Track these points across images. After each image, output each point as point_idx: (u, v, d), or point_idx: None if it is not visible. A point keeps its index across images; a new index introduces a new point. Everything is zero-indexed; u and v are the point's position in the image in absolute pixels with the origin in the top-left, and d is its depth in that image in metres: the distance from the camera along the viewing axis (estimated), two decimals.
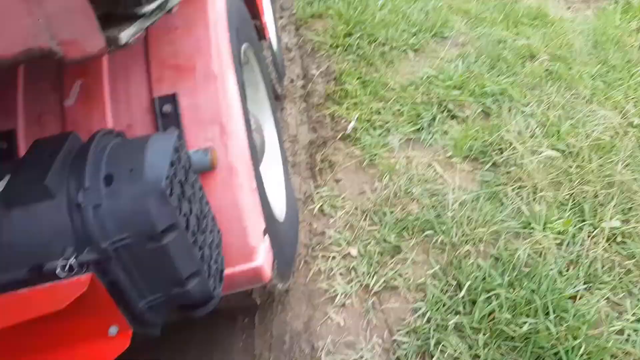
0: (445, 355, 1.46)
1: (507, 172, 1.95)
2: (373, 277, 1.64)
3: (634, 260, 1.61)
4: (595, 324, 1.48)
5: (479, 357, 1.46)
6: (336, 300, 1.63)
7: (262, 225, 1.07)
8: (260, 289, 1.32)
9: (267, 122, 1.66)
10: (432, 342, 1.48)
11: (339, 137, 2.11)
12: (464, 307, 1.53)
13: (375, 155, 2.01)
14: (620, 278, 1.58)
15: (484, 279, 1.58)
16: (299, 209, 1.81)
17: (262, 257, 1.04)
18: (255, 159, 1.13)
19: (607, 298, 1.54)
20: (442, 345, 1.47)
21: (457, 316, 1.52)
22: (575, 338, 1.42)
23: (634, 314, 1.50)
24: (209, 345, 1.58)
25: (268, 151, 1.61)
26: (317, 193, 1.88)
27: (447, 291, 1.58)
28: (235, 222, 1.00)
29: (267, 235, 1.09)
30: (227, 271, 0.98)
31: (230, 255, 1.00)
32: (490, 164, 2.00)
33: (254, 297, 1.35)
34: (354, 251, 1.71)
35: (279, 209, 1.47)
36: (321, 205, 1.83)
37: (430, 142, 2.11)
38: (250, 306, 1.60)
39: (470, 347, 1.47)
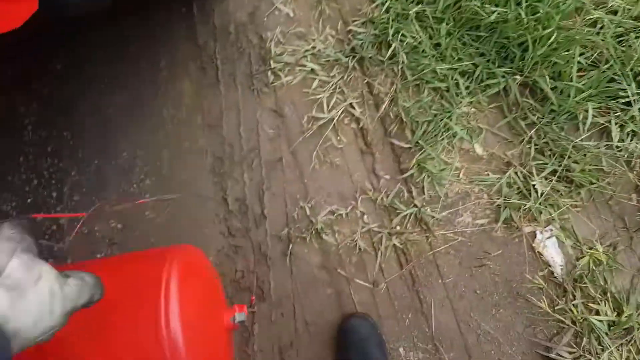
0: (404, 44, 1.55)
1: None
2: None
3: None
4: (570, 15, 1.50)
5: (439, 45, 1.54)
6: None
7: None
8: None
9: None
10: (391, 31, 1.55)
11: None
12: None
13: None
14: None
15: None
16: None
17: None
18: None
19: None
20: (402, 34, 1.55)
21: (419, 5, 1.58)
22: (545, 28, 1.43)
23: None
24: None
25: None
26: None
27: None
28: None
29: None
30: None
31: None
32: None
33: None
34: None
35: None
36: None
37: None
38: None
39: (431, 37, 1.56)
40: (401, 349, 1.42)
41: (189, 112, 1.71)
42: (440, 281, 1.45)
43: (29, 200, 1.70)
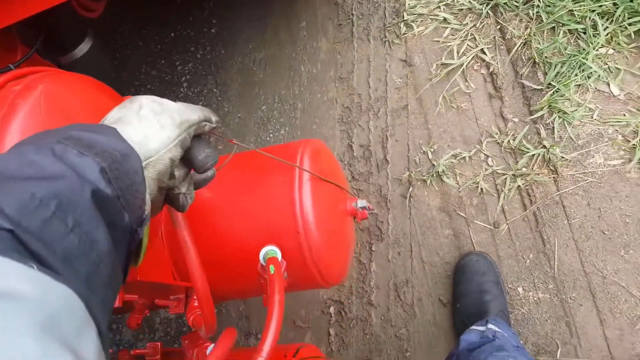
0: None
1: None
2: None
3: None
4: None
5: None
6: None
7: None
8: None
9: None
10: None
11: None
12: None
13: None
14: None
15: None
16: None
17: None
18: None
19: None
20: None
21: None
22: None
23: None
24: None
25: None
26: None
27: None
28: None
29: None
30: None
31: None
32: None
33: None
34: None
35: None
36: None
37: None
38: None
39: None
40: (520, 289, 1.60)
41: (324, 67, 2.10)
42: (565, 222, 1.60)
43: None
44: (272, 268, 0.97)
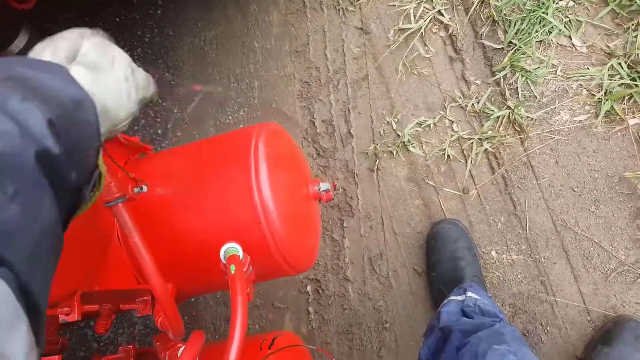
0: None
1: None
2: None
3: None
4: None
5: None
6: None
7: None
8: None
9: None
10: None
11: None
12: None
13: None
14: None
15: None
16: None
17: None
18: None
19: None
20: None
21: None
22: None
23: None
24: None
25: None
26: None
27: None
28: None
29: None
30: None
31: None
32: None
33: None
34: None
35: None
36: None
37: None
38: None
39: None
40: (493, 252, 1.60)
41: (278, 41, 2.04)
42: (534, 182, 1.60)
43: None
44: (232, 268, 0.93)
